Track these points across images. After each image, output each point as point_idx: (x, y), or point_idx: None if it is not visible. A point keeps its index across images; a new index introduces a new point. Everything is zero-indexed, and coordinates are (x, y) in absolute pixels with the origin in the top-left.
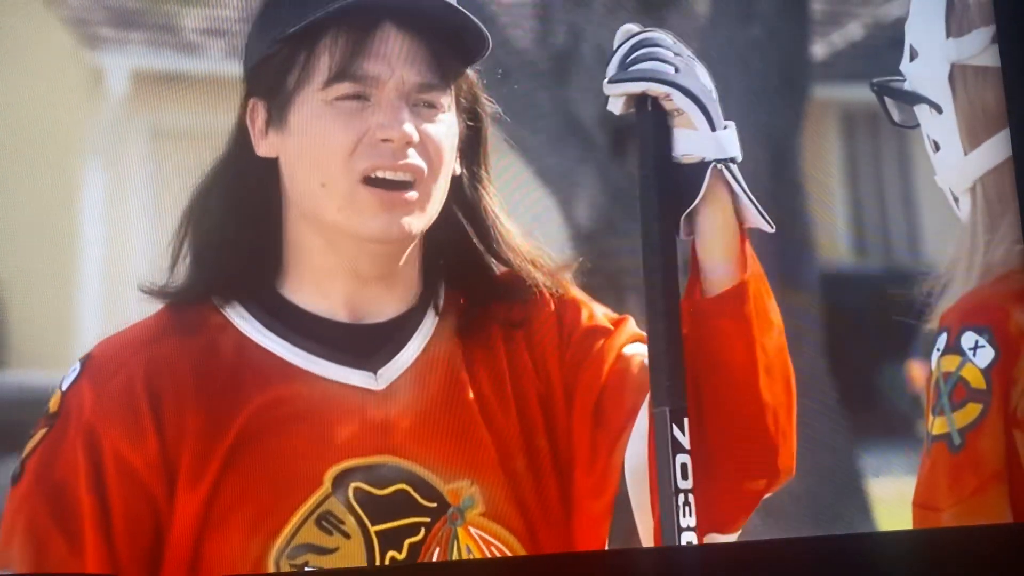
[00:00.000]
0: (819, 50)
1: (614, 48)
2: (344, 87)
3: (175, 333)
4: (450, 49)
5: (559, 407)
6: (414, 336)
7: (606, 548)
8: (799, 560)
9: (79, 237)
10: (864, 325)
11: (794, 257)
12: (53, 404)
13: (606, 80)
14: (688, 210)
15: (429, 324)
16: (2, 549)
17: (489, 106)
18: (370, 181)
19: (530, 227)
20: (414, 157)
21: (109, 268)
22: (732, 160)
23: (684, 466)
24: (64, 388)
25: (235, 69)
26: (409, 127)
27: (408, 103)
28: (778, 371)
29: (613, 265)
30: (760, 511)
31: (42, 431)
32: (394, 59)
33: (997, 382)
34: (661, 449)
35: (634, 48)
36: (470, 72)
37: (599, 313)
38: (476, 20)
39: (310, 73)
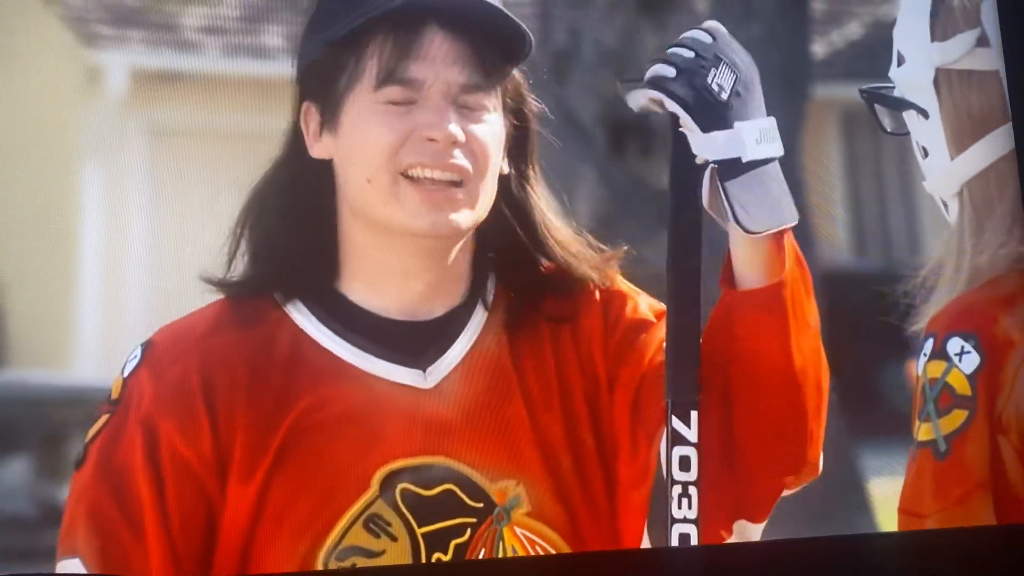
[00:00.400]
0: (819, 49)
1: None
2: (392, 91)
3: (233, 325)
4: (494, 50)
5: (604, 400)
6: (463, 333)
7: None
8: (801, 562)
9: (78, 235)
10: (864, 324)
11: None
12: (115, 390)
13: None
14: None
15: (478, 320)
16: (66, 533)
17: (536, 106)
18: (414, 178)
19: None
20: (459, 157)
21: (108, 266)
22: (737, 160)
23: (685, 459)
24: (126, 375)
25: (233, 67)
26: (454, 127)
27: (454, 104)
28: (812, 372)
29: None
30: None
31: (104, 417)
32: (439, 61)
33: (982, 388)
34: (666, 439)
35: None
36: (516, 73)
37: (643, 305)
38: (516, 19)
39: (359, 76)
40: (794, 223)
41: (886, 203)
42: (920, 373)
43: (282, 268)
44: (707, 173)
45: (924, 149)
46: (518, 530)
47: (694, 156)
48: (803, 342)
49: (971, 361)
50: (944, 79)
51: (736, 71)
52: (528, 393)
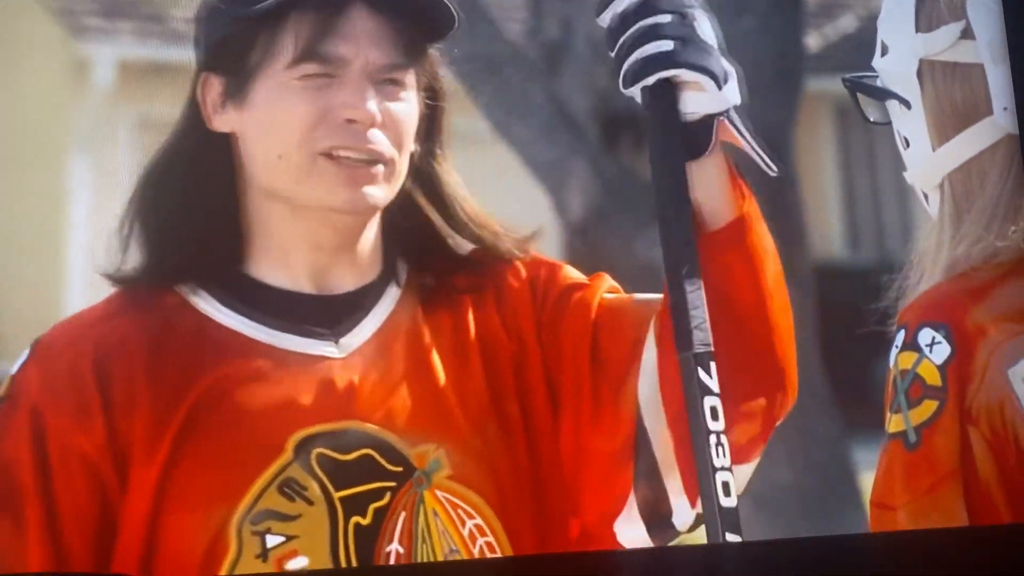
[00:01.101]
0: (813, 42)
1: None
2: (309, 67)
3: (128, 311)
4: (417, 27)
5: (534, 370)
6: (377, 305)
7: (631, 491)
8: (793, 561)
9: (65, 226)
10: (856, 318)
11: (787, 249)
12: (1, 389)
13: (620, 81)
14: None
15: (392, 295)
16: None
17: (445, 83)
18: (332, 157)
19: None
20: (378, 137)
21: (95, 258)
22: (733, 108)
23: (714, 408)
24: (13, 372)
25: None
26: (374, 107)
27: (373, 82)
28: (779, 296)
29: (605, 254)
30: (752, 504)
31: None
32: (361, 39)
33: (953, 379)
34: (690, 394)
35: (625, 25)
36: (430, 50)
37: (574, 273)
38: (445, 2)
39: (274, 52)
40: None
41: (880, 196)
42: (892, 364)
43: (181, 252)
44: (716, 125)
45: (906, 139)
46: (439, 493)
47: (678, 115)
48: (768, 267)
49: (941, 352)
50: (928, 70)
51: (705, 14)
52: (448, 362)
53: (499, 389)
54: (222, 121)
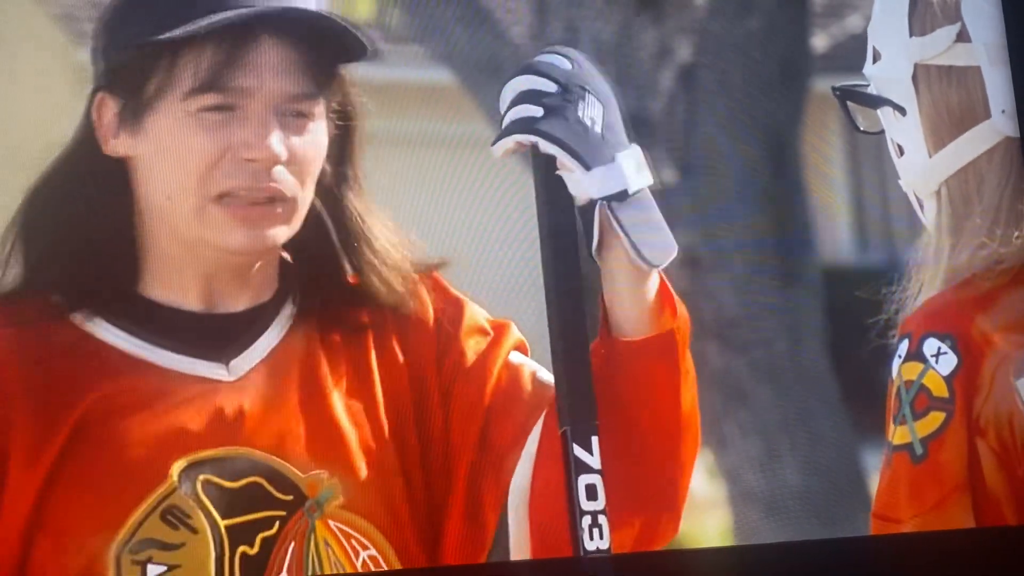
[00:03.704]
0: (819, 42)
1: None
2: (209, 98)
3: (3, 327)
4: (327, 55)
5: (434, 409)
6: (270, 328)
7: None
8: (801, 565)
9: None
10: (866, 320)
11: (795, 252)
12: None
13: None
14: (593, 251)
15: (286, 317)
16: None
17: (359, 101)
18: (226, 200)
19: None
20: (281, 176)
21: None
22: (624, 193)
23: (591, 487)
24: None
25: None
26: (277, 146)
27: (278, 115)
28: (694, 424)
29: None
30: (761, 508)
31: None
32: (265, 70)
33: (960, 390)
34: (566, 471)
35: (513, 89)
36: (341, 71)
37: (480, 317)
38: (355, 30)
39: (173, 81)
40: (676, 250)
41: (888, 198)
42: (895, 375)
43: (61, 269)
44: (596, 213)
45: (900, 147)
46: (332, 523)
47: (566, 197)
48: (688, 390)
49: (948, 362)
50: (923, 75)
51: (601, 99)
52: (344, 390)
53: (398, 420)
54: (116, 145)
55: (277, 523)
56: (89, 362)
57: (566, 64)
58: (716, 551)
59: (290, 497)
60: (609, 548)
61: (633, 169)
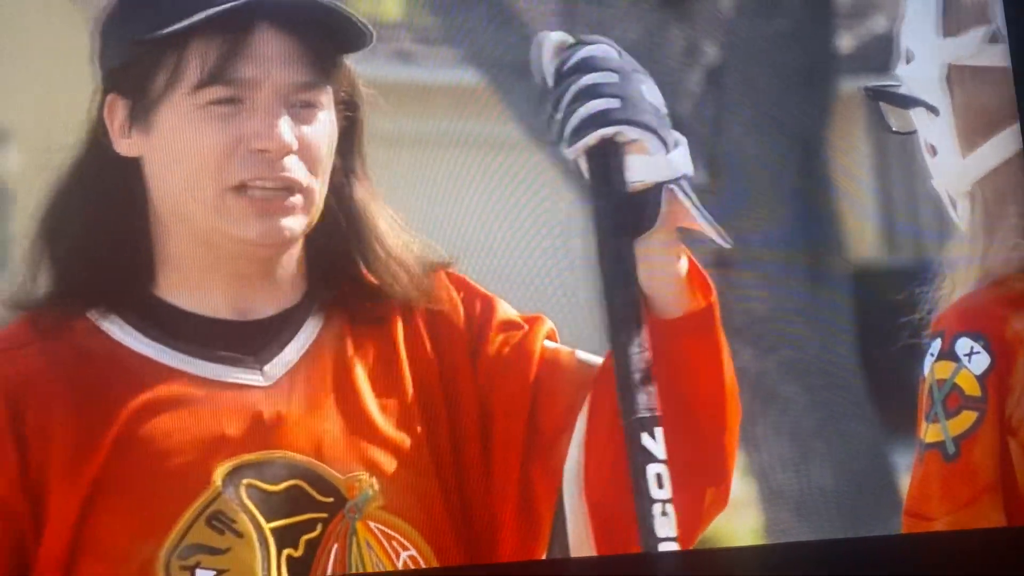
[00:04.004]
0: (845, 43)
1: (548, 66)
2: (216, 91)
3: (38, 341)
4: (330, 44)
5: (468, 404)
6: (301, 330)
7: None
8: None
9: None
10: (894, 321)
11: (823, 252)
12: None
13: (563, 141)
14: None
15: (316, 318)
16: None
17: (367, 93)
18: (243, 190)
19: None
20: (294, 165)
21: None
22: (684, 177)
23: (659, 476)
24: None
25: None
26: (287, 135)
27: (286, 105)
28: (735, 394)
29: None
30: (791, 508)
31: None
32: (270, 60)
33: (992, 390)
34: (633, 460)
35: (567, 82)
36: (347, 61)
37: (512, 312)
38: (357, 19)
39: (179, 76)
40: None
41: (916, 199)
42: (927, 373)
43: (89, 277)
44: (664, 193)
45: (932, 147)
46: (372, 524)
47: (623, 184)
48: (727, 361)
49: (981, 362)
50: (956, 75)
51: (648, 79)
52: (377, 390)
53: (431, 417)
54: (128, 146)
55: (319, 525)
56: (125, 374)
57: (613, 53)
58: (753, 549)
59: (331, 499)
60: (677, 536)
61: (688, 155)
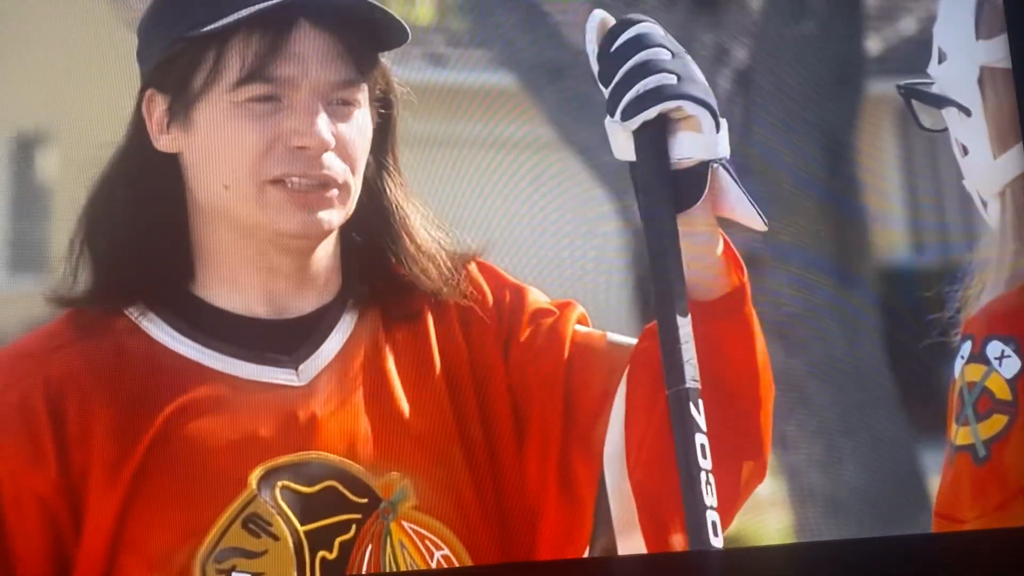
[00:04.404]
0: (873, 45)
1: (600, 43)
2: (255, 88)
3: (78, 339)
4: (367, 42)
5: (500, 395)
6: (336, 328)
7: (588, 546)
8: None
9: None
10: (922, 321)
11: (852, 251)
12: None
13: (618, 113)
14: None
15: (351, 316)
16: None
17: (401, 91)
18: (282, 183)
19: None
20: (332, 162)
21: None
22: (725, 159)
23: (703, 446)
24: None
25: None
26: (326, 133)
27: (324, 102)
28: (767, 371)
29: None
30: (820, 505)
31: None
32: (309, 58)
33: None
34: (680, 430)
35: (621, 58)
36: (382, 59)
37: (543, 299)
38: (396, 16)
39: (219, 73)
40: None
41: (943, 200)
42: (957, 376)
43: (128, 272)
44: (709, 172)
45: (964, 147)
46: (406, 524)
47: (668, 160)
48: (759, 339)
49: (1012, 366)
50: (989, 78)
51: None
52: (410, 387)
53: (463, 413)
54: (167, 142)
55: (354, 527)
56: (163, 374)
57: (660, 30)
58: (783, 548)
59: (365, 500)
60: (716, 505)
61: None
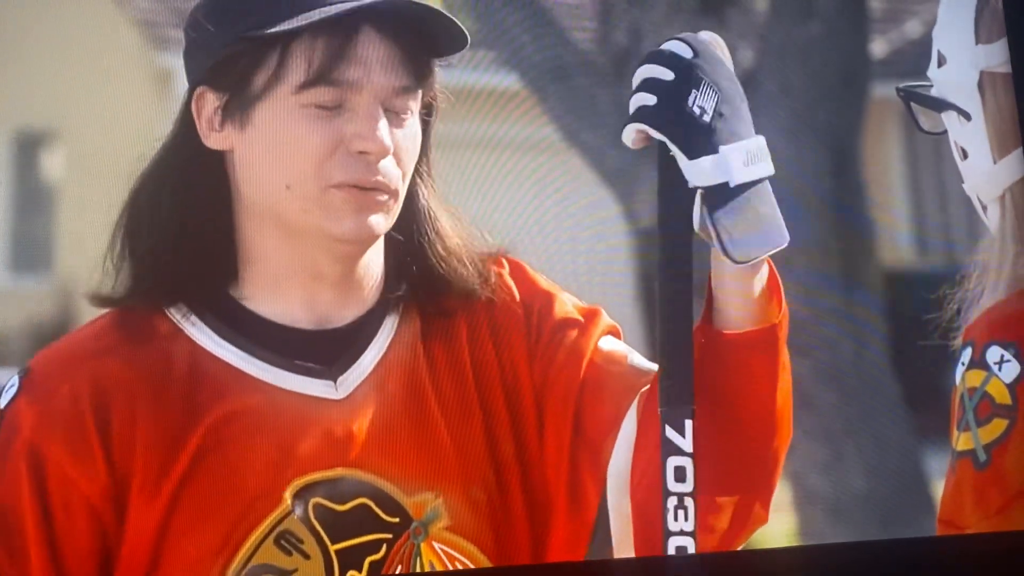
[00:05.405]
0: (879, 48)
1: None
2: (320, 92)
3: (123, 342)
4: (426, 49)
5: (526, 403)
6: (375, 339)
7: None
8: (863, 566)
9: None
10: (926, 324)
11: (856, 255)
12: None
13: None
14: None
15: (390, 326)
16: None
17: (442, 97)
18: (341, 188)
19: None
20: (389, 167)
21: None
22: (725, 185)
23: (680, 469)
24: (2, 406)
25: None
26: (387, 138)
27: (384, 109)
28: (787, 415)
29: None
30: (825, 510)
31: None
32: (372, 64)
33: (1023, 398)
34: (661, 451)
35: (637, 76)
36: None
37: (570, 305)
38: (459, 23)
39: (282, 75)
40: (784, 245)
41: (948, 203)
42: (958, 382)
43: (171, 274)
44: (697, 199)
45: (964, 151)
46: (437, 545)
47: (677, 178)
48: (784, 382)
49: (1011, 370)
50: (989, 82)
51: (717, 89)
52: (444, 401)
53: (495, 432)
54: (218, 139)
55: (384, 546)
56: (207, 381)
57: (687, 52)
58: (787, 551)
59: (396, 519)
60: (694, 531)
61: (740, 161)
